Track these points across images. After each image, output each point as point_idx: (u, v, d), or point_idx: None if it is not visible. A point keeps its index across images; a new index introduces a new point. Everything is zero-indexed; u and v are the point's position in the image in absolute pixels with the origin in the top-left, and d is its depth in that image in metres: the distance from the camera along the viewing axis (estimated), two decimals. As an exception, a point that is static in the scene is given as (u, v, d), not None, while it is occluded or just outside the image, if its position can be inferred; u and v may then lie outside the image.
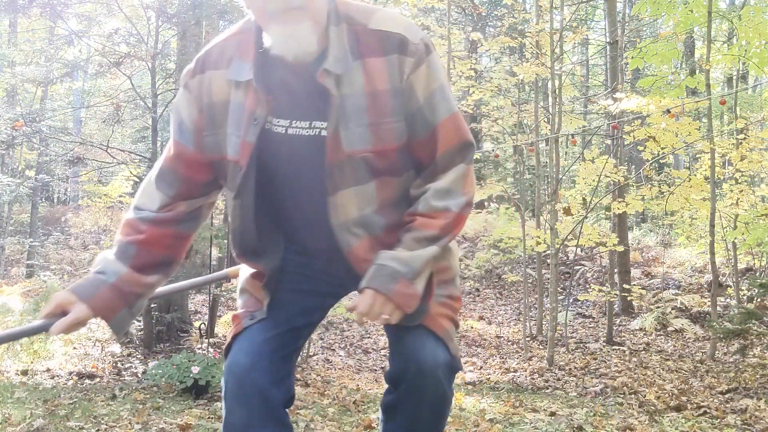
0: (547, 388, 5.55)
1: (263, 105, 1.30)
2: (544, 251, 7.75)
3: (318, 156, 1.30)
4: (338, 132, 1.28)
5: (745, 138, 8.20)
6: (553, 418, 4.11)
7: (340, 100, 1.27)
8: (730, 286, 9.19)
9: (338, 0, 1.32)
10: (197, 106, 1.37)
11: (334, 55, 1.27)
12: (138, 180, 9.07)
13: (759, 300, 8.43)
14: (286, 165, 1.35)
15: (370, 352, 7.63)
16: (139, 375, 5.64)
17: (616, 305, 8.82)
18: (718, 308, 7.93)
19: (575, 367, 6.31)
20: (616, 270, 8.86)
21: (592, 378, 5.86)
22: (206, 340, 6.49)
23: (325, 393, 4.84)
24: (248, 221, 1.36)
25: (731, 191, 8.34)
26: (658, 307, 8.87)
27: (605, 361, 6.59)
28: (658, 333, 8.11)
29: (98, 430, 4.15)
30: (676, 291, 9.74)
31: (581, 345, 7.53)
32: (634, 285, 9.24)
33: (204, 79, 1.37)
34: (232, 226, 1.42)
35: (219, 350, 5.83)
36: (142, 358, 6.20)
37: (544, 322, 7.99)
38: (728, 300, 8.93)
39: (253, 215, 1.35)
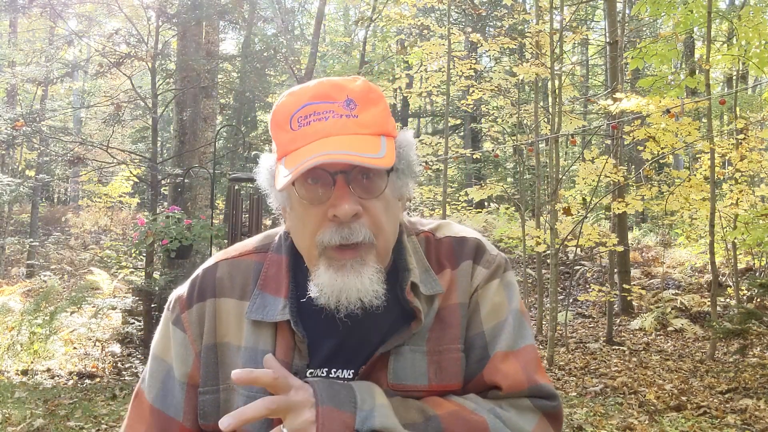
0: (547, 388, 5.55)
1: (303, 354, 0.97)
2: (544, 251, 7.75)
3: None
4: (385, 362, 0.97)
5: (744, 138, 8.21)
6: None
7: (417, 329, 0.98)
8: (730, 286, 9.19)
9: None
10: (194, 348, 1.01)
11: (417, 269, 1.00)
12: (137, 180, 9.11)
13: (759, 300, 8.44)
14: None
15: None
16: (139, 375, 5.65)
17: (615, 305, 8.82)
18: (718, 308, 7.93)
19: (575, 367, 6.32)
20: (615, 270, 8.86)
21: (592, 378, 5.86)
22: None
23: None
24: None
25: (731, 191, 8.35)
26: (658, 307, 8.87)
27: (605, 361, 6.60)
28: (657, 333, 8.12)
29: (98, 430, 4.15)
30: (676, 291, 9.75)
31: (581, 345, 7.53)
32: (634, 285, 9.24)
33: (205, 310, 1.02)
34: None
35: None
36: (142, 358, 6.20)
37: (544, 322, 8.00)
38: (728, 300, 8.94)
39: None
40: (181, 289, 1.06)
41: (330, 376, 0.97)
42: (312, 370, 0.97)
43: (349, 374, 0.98)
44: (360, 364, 0.97)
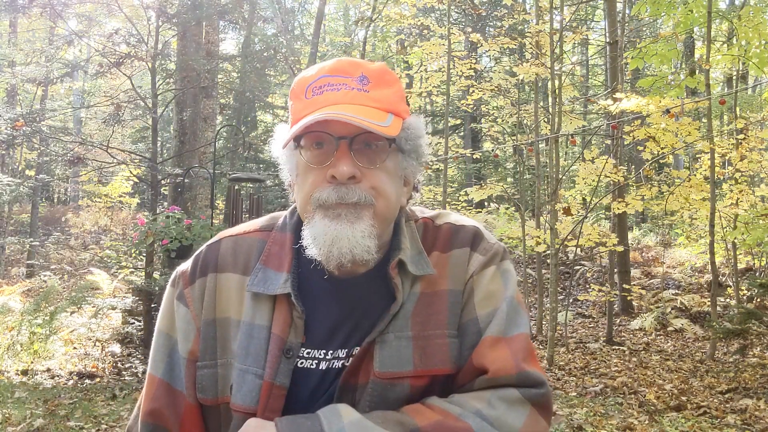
0: (547, 388, 5.54)
1: (298, 330, 0.97)
2: (544, 251, 7.75)
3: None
4: (371, 349, 0.96)
5: (744, 138, 8.21)
6: (553, 417, 4.11)
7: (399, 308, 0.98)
8: (730, 286, 9.19)
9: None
10: (196, 324, 1.01)
11: (410, 251, 1.01)
12: (137, 180, 9.12)
13: (759, 300, 8.43)
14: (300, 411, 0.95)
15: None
16: (139, 375, 5.65)
17: (615, 305, 8.82)
18: (718, 308, 7.93)
19: (575, 367, 6.32)
20: (615, 270, 8.86)
21: (592, 378, 5.86)
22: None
23: None
24: None
25: (731, 191, 8.35)
26: (658, 307, 8.87)
27: (605, 361, 6.60)
28: (657, 333, 8.12)
29: (98, 430, 4.15)
30: (676, 291, 9.74)
31: (581, 345, 7.53)
32: (634, 285, 9.24)
33: (207, 285, 1.02)
34: None
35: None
36: (142, 358, 6.20)
37: (543, 322, 8.00)
38: (728, 300, 8.94)
39: None
40: (185, 265, 1.07)
41: (327, 357, 0.97)
42: (309, 350, 0.97)
43: (344, 354, 0.97)
44: (354, 345, 0.97)
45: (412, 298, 0.99)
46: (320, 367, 0.97)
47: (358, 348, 0.97)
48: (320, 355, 0.98)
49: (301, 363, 0.97)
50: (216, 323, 1.01)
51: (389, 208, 0.98)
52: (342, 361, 0.97)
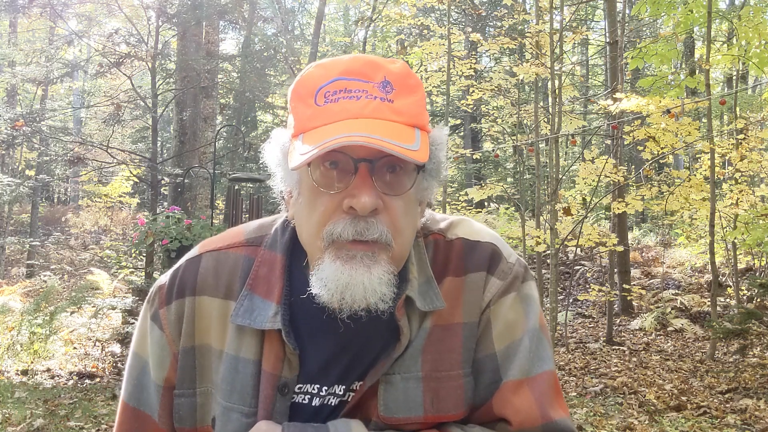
0: (547, 388, 5.54)
1: (293, 365, 0.88)
2: (544, 251, 7.75)
3: None
4: (375, 390, 0.88)
5: (744, 138, 8.21)
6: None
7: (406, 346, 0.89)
8: (730, 286, 9.19)
9: None
10: (172, 349, 0.92)
11: (417, 280, 0.90)
12: (137, 180, 9.12)
13: (759, 300, 8.43)
14: None
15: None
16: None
17: (615, 305, 8.82)
18: (718, 308, 7.93)
19: (575, 367, 6.32)
20: (615, 270, 8.86)
21: (592, 378, 5.86)
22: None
23: None
24: None
25: (731, 191, 8.35)
26: (658, 307, 8.87)
27: (605, 361, 6.60)
28: (657, 333, 8.12)
29: (98, 430, 4.16)
30: (676, 291, 9.74)
31: (581, 345, 7.53)
32: (634, 285, 9.24)
33: (185, 310, 0.92)
34: None
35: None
36: (142, 358, 6.19)
37: (544, 322, 7.99)
38: (728, 300, 8.94)
39: None
40: (163, 279, 0.96)
41: (321, 393, 0.89)
42: (301, 385, 0.89)
43: (341, 390, 0.89)
44: (353, 380, 0.89)
45: (421, 334, 0.88)
46: (313, 403, 0.88)
47: (358, 383, 0.88)
48: (313, 390, 0.89)
49: (292, 398, 0.88)
50: (195, 350, 0.91)
51: (405, 248, 0.86)
52: (339, 398, 0.89)
